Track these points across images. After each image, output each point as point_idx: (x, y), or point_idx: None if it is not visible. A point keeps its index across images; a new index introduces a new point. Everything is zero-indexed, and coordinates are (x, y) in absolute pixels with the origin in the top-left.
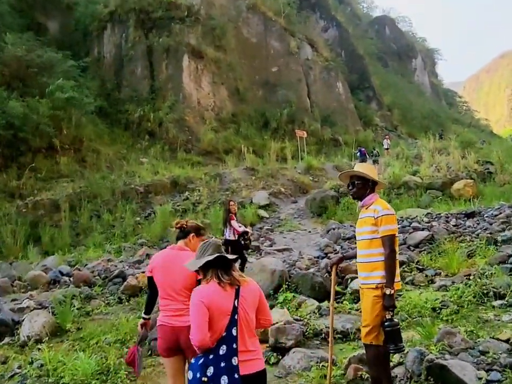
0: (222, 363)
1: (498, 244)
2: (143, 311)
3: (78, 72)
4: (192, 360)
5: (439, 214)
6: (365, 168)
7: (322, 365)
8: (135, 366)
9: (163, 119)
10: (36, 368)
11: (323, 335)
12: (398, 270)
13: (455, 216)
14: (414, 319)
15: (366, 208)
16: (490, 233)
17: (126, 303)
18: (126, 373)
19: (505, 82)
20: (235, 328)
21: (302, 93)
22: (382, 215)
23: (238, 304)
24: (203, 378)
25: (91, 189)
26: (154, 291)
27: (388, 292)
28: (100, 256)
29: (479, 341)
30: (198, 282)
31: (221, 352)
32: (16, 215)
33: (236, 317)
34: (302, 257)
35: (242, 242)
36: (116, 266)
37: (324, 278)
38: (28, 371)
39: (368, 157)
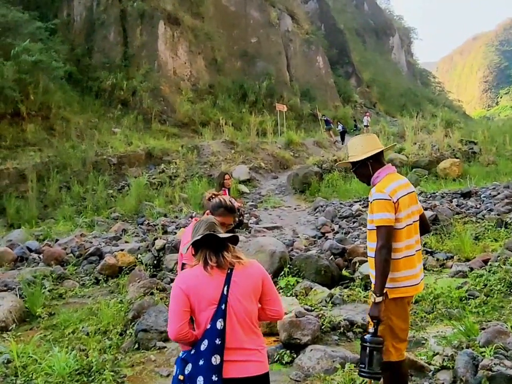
0: (200, 361)
1: (508, 226)
2: None
3: (46, 34)
4: (180, 354)
5: (434, 193)
6: (352, 148)
7: (349, 367)
8: None
9: (137, 88)
10: (1, 365)
11: (342, 329)
12: (413, 270)
13: (451, 195)
14: (441, 311)
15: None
16: (498, 215)
17: (104, 285)
18: (112, 373)
19: (477, 65)
20: (221, 320)
21: (281, 65)
22: (373, 200)
23: (227, 291)
24: (179, 376)
25: (60, 159)
26: None
27: (372, 298)
28: (70, 230)
29: None
30: None
31: (202, 348)
32: None
33: (223, 307)
34: (298, 237)
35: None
36: (91, 242)
37: (329, 261)
38: None
39: (342, 129)
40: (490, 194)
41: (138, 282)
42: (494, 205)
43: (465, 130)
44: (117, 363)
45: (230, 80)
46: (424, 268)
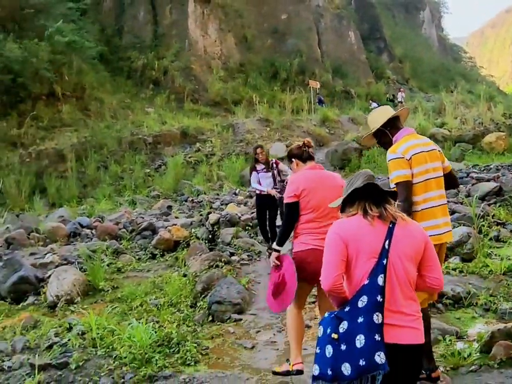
0: (359, 318)
1: None
2: (276, 241)
3: (77, 15)
4: (326, 314)
5: (488, 165)
6: (370, 124)
7: (450, 339)
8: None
9: (168, 67)
10: (77, 337)
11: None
12: (433, 221)
13: (507, 168)
14: None
15: None
16: None
17: (161, 259)
18: (195, 344)
19: (510, 38)
20: (382, 276)
21: (312, 42)
22: (388, 161)
23: (389, 245)
24: (333, 335)
25: (96, 139)
26: (296, 217)
27: None
28: (112, 208)
29: None
30: None
31: (360, 305)
32: (20, 165)
33: (384, 262)
34: None
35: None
36: (142, 218)
37: None
38: (69, 340)
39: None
40: None
41: (200, 255)
42: None
43: (506, 104)
44: (195, 335)
45: (260, 58)
46: (498, 240)
